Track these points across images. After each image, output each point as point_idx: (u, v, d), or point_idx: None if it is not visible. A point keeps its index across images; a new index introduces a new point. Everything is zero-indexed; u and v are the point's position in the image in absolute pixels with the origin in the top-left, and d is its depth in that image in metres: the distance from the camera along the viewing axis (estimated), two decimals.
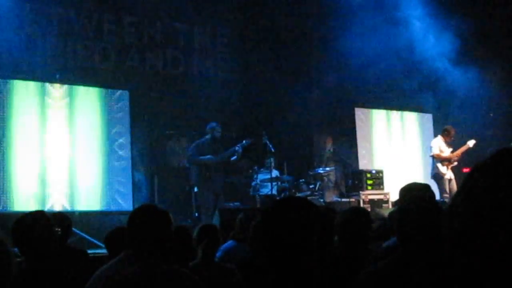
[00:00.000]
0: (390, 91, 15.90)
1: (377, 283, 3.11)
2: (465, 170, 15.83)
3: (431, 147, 13.39)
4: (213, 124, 12.08)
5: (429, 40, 15.56)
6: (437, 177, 13.06)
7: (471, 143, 13.31)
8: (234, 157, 12.10)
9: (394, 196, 12.96)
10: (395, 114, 16.29)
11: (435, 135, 14.31)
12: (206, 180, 11.82)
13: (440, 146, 13.28)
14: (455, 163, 13.42)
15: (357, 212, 4.94)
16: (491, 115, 15.75)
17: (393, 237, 4.47)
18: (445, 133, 13.45)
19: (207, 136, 12.01)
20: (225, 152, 11.97)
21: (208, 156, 11.76)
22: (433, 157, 13.30)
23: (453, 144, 13.61)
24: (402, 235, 3.23)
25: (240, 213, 7.42)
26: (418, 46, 15.52)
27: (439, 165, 13.17)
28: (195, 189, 12.12)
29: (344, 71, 15.20)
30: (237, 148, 12.00)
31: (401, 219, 3.25)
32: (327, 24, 15.27)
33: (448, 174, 13.26)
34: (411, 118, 16.50)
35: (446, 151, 13.28)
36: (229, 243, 6.74)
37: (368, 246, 4.60)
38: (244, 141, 12.12)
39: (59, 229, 4.96)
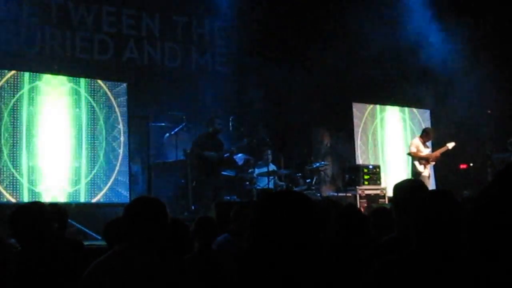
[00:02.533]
0: (388, 87, 15.91)
1: (393, 274, 3.12)
2: (462, 166, 15.91)
3: (409, 146, 13.60)
4: (214, 117, 12.14)
5: (428, 36, 15.57)
6: (415, 175, 13.23)
7: (450, 145, 13.67)
8: (227, 154, 12.25)
9: (391, 192, 13.00)
10: (393, 110, 16.29)
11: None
12: (206, 174, 11.87)
13: (417, 146, 13.56)
14: (433, 163, 13.72)
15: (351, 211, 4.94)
16: (489, 111, 15.78)
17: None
18: (424, 134, 13.87)
19: (209, 130, 12.07)
20: (225, 150, 12.10)
21: (212, 153, 11.83)
22: (410, 155, 13.52)
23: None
24: (418, 229, 3.22)
25: (235, 206, 7.44)
26: (417, 42, 15.53)
27: (416, 163, 13.50)
28: (194, 183, 12.14)
29: (343, 66, 15.20)
30: (233, 147, 12.16)
31: (418, 214, 3.24)
32: (326, 18, 15.28)
33: (426, 172, 13.61)
34: (409, 114, 16.50)
35: (424, 151, 13.55)
36: (224, 236, 6.76)
37: (364, 240, 4.60)
38: (244, 140, 12.25)
39: (56, 221, 4.96)
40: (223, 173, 12.53)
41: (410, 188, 4.21)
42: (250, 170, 12.87)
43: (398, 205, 4.18)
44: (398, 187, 4.32)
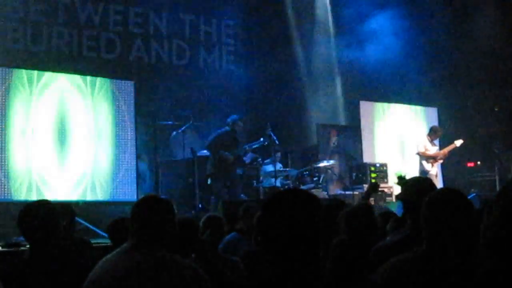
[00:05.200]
0: (395, 85, 15.89)
1: (401, 276, 3.12)
2: (469, 164, 15.87)
3: (417, 146, 13.57)
4: (235, 117, 12.16)
5: (435, 34, 15.55)
6: (423, 173, 13.20)
7: (458, 142, 13.59)
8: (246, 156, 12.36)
9: (398, 190, 12.97)
10: (399, 108, 16.25)
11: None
12: (221, 172, 11.91)
13: (425, 144, 13.50)
14: (441, 161, 13.68)
15: (362, 209, 4.92)
16: (496, 109, 15.74)
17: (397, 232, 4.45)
18: (431, 132, 13.80)
19: (227, 128, 12.08)
20: (242, 148, 12.16)
21: (227, 153, 11.85)
22: (419, 155, 13.49)
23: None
24: (429, 229, 3.21)
25: (242, 205, 7.44)
26: (424, 40, 15.51)
27: (424, 162, 13.46)
28: (209, 180, 12.19)
29: (350, 65, 15.19)
30: (247, 147, 12.21)
31: (430, 213, 3.23)
32: (333, 15, 15.29)
33: (434, 170, 13.58)
34: (416, 112, 16.46)
35: (431, 150, 13.49)
36: (232, 235, 6.75)
37: (374, 239, 4.59)
38: (261, 139, 12.29)
39: (64, 219, 4.96)
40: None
41: (422, 186, 4.18)
42: (260, 169, 12.88)
43: (409, 203, 4.16)
44: (408, 186, 4.30)
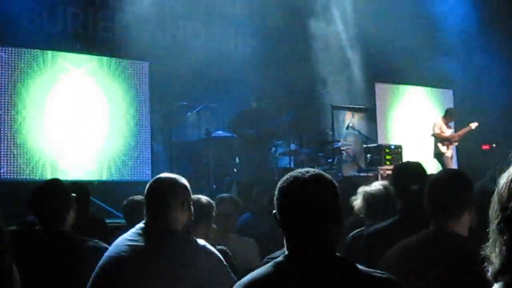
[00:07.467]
0: (410, 67, 15.79)
1: (409, 258, 3.15)
2: (485, 147, 15.79)
3: (432, 128, 13.59)
4: (257, 94, 12.23)
5: (451, 16, 15.44)
6: (438, 156, 13.22)
7: (473, 125, 13.67)
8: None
9: None
10: (415, 90, 16.19)
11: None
12: (247, 151, 11.97)
13: (441, 126, 13.55)
14: (456, 143, 13.69)
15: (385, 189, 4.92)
16: None
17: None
18: (446, 115, 13.84)
19: (251, 105, 12.15)
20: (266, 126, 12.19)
21: (250, 131, 11.89)
22: (434, 136, 13.50)
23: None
24: (431, 209, 3.24)
25: (256, 185, 7.44)
26: (439, 21, 15.40)
27: (439, 144, 13.53)
28: (237, 159, 12.26)
29: (365, 46, 15.11)
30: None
31: (430, 193, 3.25)
32: None
33: (449, 152, 13.73)
34: (431, 94, 16.40)
35: (447, 132, 13.52)
36: (247, 215, 6.77)
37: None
38: (290, 113, 12.35)
39: (78, 199, 4.98)
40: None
41: (410, 171, 4.23)
42: (271, 149, 12.86)
43: (399, 188, 4.20)
44: (398, 171, 4.34)
